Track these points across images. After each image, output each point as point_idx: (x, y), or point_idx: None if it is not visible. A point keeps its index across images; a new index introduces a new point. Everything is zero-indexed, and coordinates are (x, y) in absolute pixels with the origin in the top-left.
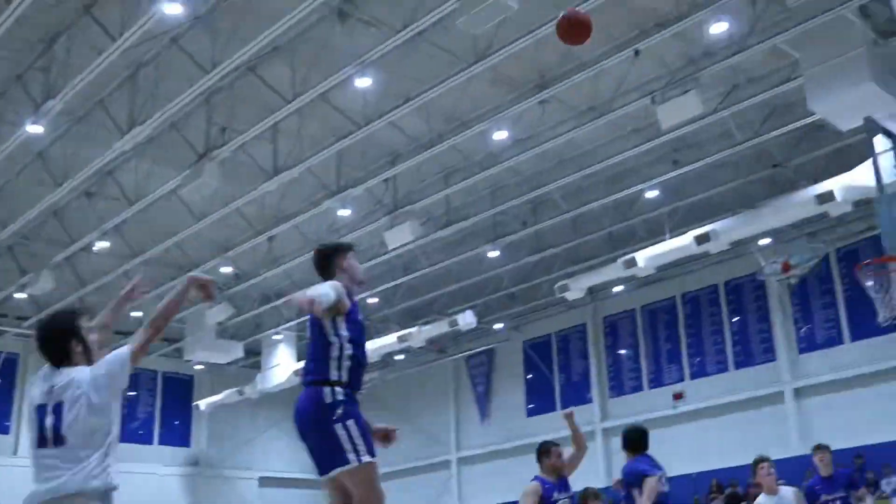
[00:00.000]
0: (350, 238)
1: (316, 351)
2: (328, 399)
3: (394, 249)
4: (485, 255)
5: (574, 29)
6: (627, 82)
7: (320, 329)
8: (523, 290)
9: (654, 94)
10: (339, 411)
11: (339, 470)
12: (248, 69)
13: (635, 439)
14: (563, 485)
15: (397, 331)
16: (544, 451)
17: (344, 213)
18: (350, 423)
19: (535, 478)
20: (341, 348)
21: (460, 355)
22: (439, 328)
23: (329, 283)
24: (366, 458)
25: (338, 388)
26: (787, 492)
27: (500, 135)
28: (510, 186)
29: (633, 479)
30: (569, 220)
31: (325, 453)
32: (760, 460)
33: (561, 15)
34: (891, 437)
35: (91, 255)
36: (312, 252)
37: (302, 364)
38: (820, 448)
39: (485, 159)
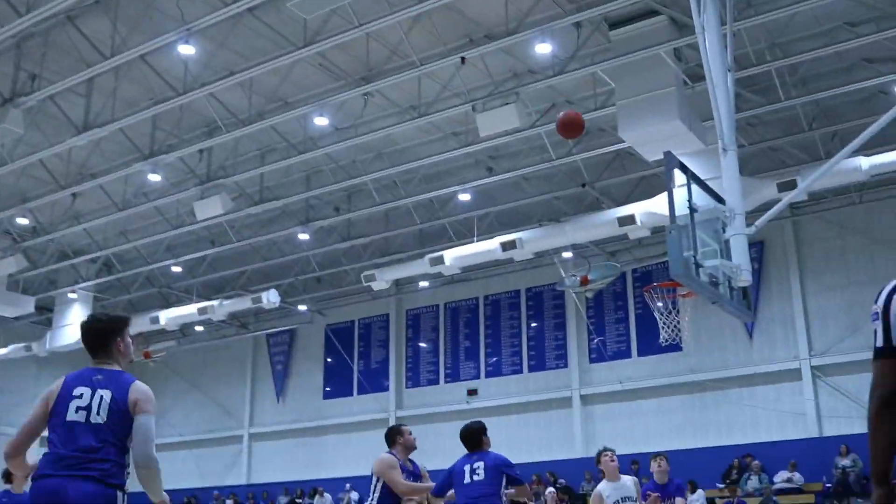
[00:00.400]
0: (159, 205)
1: (117, 453)
2: None
3: (203, 221)
4: (295, 237)
5: (569, 127)
6: (451, 87)
7: (130, 423)
8: (330, 275)
9: (476, 103)
10: None
11: None
12: (67, 18)
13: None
14: (415, 466)
15: (199, 302)
16: (395, 430)
17: (154, 178)
18: None
19: (389, 452)
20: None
21: (261, 332)
22: (242, 304)
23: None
24: None
25: (125, 497)
26: (627, 479)
27: (321, 121)
28: (326, 172)
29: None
30: (381, 213)
31: None
32: (605, 449)
33: (560, 114)
34: (666, 446)
35: None
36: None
37: None
38: (659, 456)
39: (303, 143)
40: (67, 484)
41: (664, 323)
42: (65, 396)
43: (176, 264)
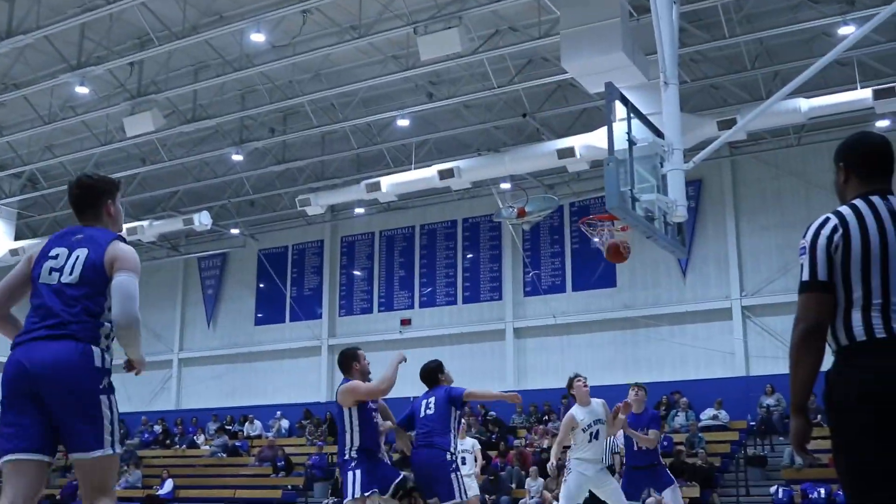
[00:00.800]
0: (86, 119)
1: (89, 314)
2: (97, 362)
3: (133, 137)
4: (228, 158)
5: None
6: (393, 8)
7: (106, 282)
8: (264, 199)
9: (418, 26)
10: (107, 382)
11: (89, 455)
12: None
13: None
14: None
15: (128, 222)
16: (351, 355)
17: (82, 90)
18: (114, 399)
19: (346, 380)
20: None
21: (193, 255)
22: (173, 225)
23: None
24: (118, 448)
25: (107, 355)
26: (597, 403)
27: (258, 37)
28: (262, 92)
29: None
30: (318, 136)
31: (74, 427)
32: (577, 376)
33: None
34: (597, 381)
35: None
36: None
37: (22, 244)
38: (637, 385)
39: (238, 60)
40: (34, 348)
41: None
42: (41, 257)
43: None
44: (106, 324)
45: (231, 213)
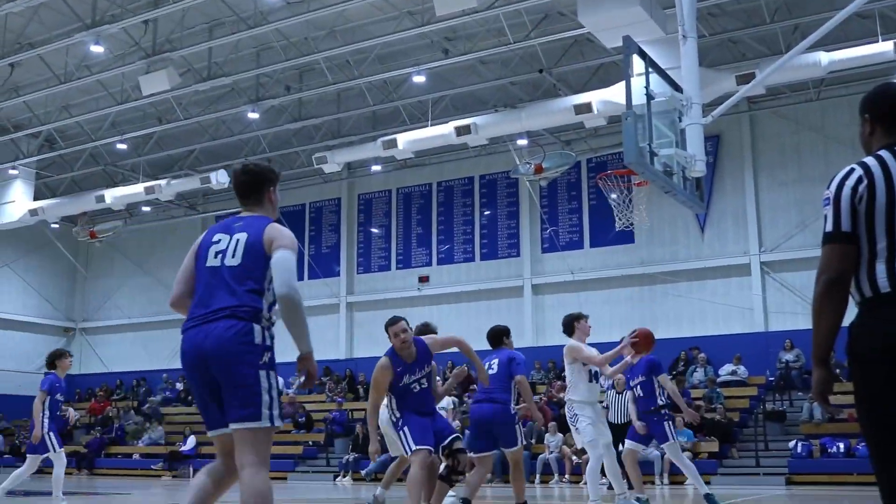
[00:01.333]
0: (102, 78)
1: (252, 294)
2: (258, 339)
3: (149, 96)
4: (244, 116)
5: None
6: None
7: (265, 262)
8: (281, 157)
9: None
10: (267, 358)
11: (248, 426)
12: None
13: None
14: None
15: (145, 181)
16: (389, 323)
17: (97, 49)
18: (273, 374)
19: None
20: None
21: (210, 214)
22: (190, 184)
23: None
24: (277, 422)
25: (268, 332)
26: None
27: None
28: (277, 49)
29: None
30: (333, 93)
31: (235, 400)
32: (584, 315)
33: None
34: (615, 337)
35: None
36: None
37: (41, 204)
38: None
39: (253, 17)
40: (204, 330)
41: (619, 212)
42: (205, 244)
43: (121, 141)
44: (267, 302)
45: None
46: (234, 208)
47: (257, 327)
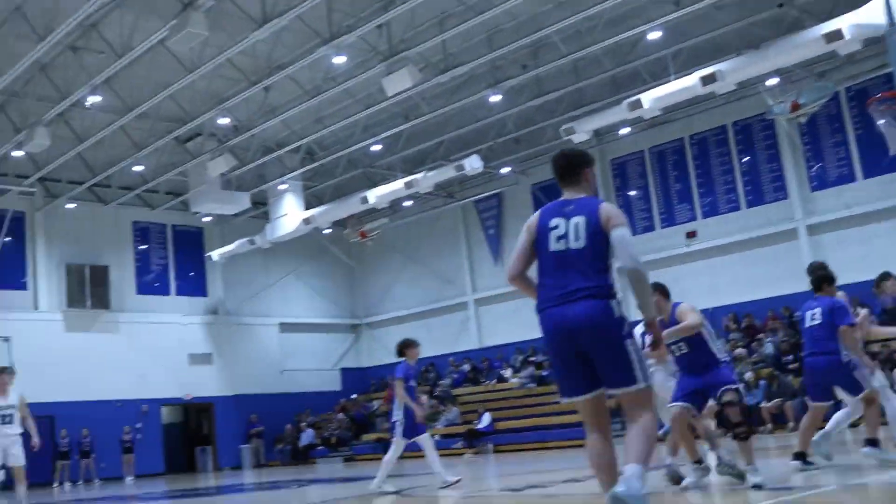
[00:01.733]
0: (347, 86)
1: (601, 271)
2: (617, 313)
3: (393, 96)
4: (486, 100)
5: None
6: None
7: (606, 241)
8: (528, 134)
9: None
10: (627, 328)
11: (629, 389)
12: None
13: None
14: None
15: (404, 177)
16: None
17: (339, 60)
18: (633, 340)
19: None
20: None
21: (468, 200)
22: (446, 173)
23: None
24: (650, 380)
25: (621, 305)
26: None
27: None
28: (507, 31)
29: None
30: (569, 64)
31: (611, 370)
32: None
33: None
34: None
35: (84, 111)
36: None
37: (311, 213)
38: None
39: (479, 3)
40: (566, 310)
41: (891, 137)
42: (543, 229)
43: (375, 143)
44: (613, 278)
45: (499, 153)
46: (491, 190)
47: (613, 302)
